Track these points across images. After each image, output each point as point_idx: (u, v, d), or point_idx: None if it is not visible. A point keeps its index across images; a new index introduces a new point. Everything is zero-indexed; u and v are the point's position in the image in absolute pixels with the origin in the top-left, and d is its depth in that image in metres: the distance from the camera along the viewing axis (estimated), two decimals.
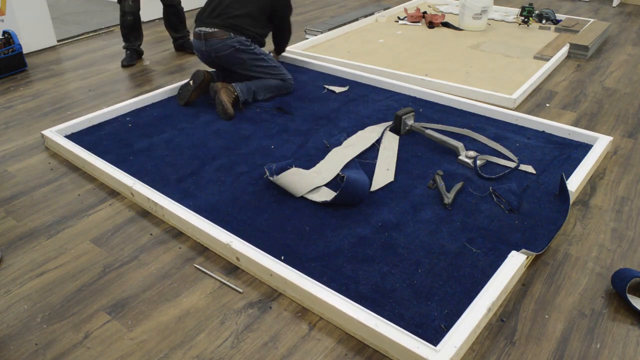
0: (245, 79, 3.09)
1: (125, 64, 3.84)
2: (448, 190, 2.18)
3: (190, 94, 3.04)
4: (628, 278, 1.69)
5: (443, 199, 2.13)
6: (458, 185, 2.20)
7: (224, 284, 1.79)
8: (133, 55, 3.90)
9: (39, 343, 1.59)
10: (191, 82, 3.03)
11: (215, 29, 2.96)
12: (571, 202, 2.15)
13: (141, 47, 3.99)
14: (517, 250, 1.83)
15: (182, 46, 4.11)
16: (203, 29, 3.00)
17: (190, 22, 4.68)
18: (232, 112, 2.87)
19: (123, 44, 3.91)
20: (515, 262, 1.77)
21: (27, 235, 2.06)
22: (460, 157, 2.41)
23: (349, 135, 2.67)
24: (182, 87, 3.08)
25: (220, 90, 2.91)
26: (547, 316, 1.65)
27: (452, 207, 2.11)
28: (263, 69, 3.06)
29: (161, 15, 4.86)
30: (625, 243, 1.96)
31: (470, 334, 1.52)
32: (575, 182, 2.20)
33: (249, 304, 1.71)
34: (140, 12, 4.81)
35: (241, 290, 1.76)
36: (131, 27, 3.81)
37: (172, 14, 3.97)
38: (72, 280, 1.83)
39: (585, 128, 2.74)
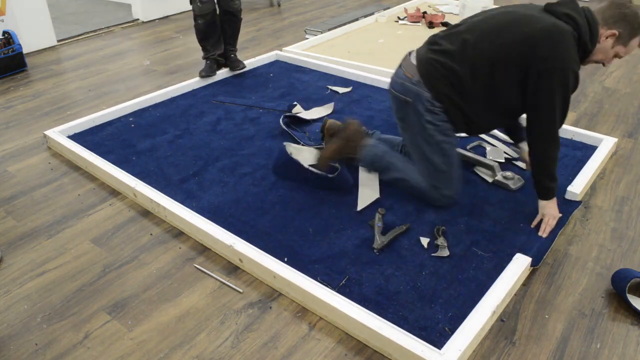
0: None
1: (204, 75, 3.33)
2: (384, 233, 1.93)
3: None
4: (628, 278, 1.69)
5: (374, 241, 1.91)
6: (399, 229, 1.95)
7: (224, 284, 1.80)
8: (212, 66, 3.38)
9: (39, 343, 1.59)
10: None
11: (414, 57, 2.01)
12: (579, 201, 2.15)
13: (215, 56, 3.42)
14: (522, 253, 1.82)
15: (219, 63, 3.48)
16: (420, 51, 2.03)
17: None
18: (323, 167, 2.13)
19: (202, 53, 3.41)
20: (520, 265, 1.77)
21: (27, 235, 2.06)
22: (497, 178, 2.23)
23: None
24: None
25: (340, 139, 2.12)
26: (547, 316, 1.65)
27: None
28: (421, 156, 2.02)
29: (162, 15, 4.85)
30: (625, 243, 1.96)
31: (475, 337, 1.52)
32: (580, 184, 2.20)
33: (249, 304, 1.71)
34: (141, 12, 4.81)
35: (241, 290, 1.76)
36: (204, 33, 3.27)
37: (227, 22, 3.35)
38: (72, 280, 1.83)
39: (585, 128, 2.74)
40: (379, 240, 1.89)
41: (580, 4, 1.86)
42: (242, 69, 3.47)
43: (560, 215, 2.00)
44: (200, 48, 3.39)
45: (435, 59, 1.93)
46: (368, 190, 2.19)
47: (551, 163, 1.92)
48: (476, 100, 1.90)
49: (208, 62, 3.38)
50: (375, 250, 1.87)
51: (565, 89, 1.80)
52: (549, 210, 1.97)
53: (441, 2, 5.29)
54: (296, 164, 2.22)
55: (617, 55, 1.90)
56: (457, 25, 2.00)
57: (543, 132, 1.87)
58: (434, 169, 2.00)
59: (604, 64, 1.94)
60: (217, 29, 3.32)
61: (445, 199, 2.05)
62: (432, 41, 2.01)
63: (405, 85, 1.99)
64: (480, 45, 1.86)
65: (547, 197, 1.97)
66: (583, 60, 1.88)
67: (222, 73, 3.46)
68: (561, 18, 1.82)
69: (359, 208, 2.10)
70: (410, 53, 2.07)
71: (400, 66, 2.07)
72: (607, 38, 1.85)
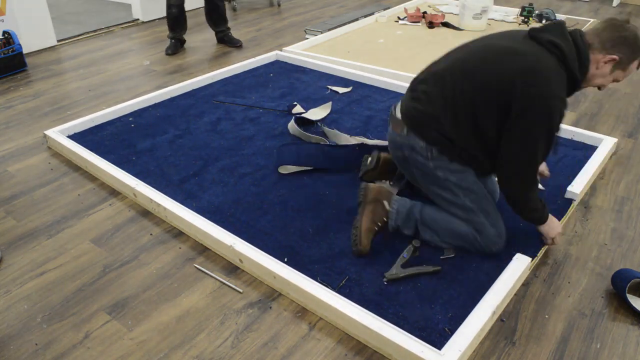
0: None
1: (170, 53, 4.02)
2: (405, 266, 1.78)
3: (367, 172, 2.16)
4: (628, 278, 1.69)
5: (390, 269, 1.77)
6: (426, 269, 1.77)
7: (224, 284, 1.80)
8: (177, 45, 4.08)
9: (39, 343, 1.59)
10: (369, 160, 2.16)
11: (398, 111, 1.90)
12: (576, 203, 2.15)
13: (184, 36, 4.15)
14: (522, 253, 1.82)
15: (222, 40, 4.22)
16: (403, 100, 1.92)
17: (199, 20, 4.69)
18: (364, 250, 1.84)
19: (168, 33, 4.08)
20: (520, 265, 1.77)
21: (27, 235, 2.06)
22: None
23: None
24: (364, 160, 2.20)
25: (367, 205, 1.89)
26: (547, 316, 1.65)
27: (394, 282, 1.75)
28: (447, 203, 1.85)
29: (161, 15, 4.87)
30: (625, 243, 1.96)
31: (475, 337, 1.52)
32: (580, 184, 2.19)
33: (249, 304, 1.71)
34: (141, 12, 4.87)
35: (241, 290, 1.77)
36: (176, 19, 3.96)
37: (212, 10, 4.09)
38: (72, 280, 1.83)
39: (585, 128, 2.75)
40: (394, 272, 1.75)
41: (573, 27, 1.72)
42: (240, 45, 4.16)
43: (560, 230, 1.87)
44: (169, 29, 4.05)
45: (415, 107, 1.81)
46: None
47: (529, 202, 1.79)
48: (467, 141, 1.75)
49: (173, 41, 4.07)
50: (385, 280, 1.74)
51: (546, 128, 1.65)
52: (548, 231, 1.85)
53: (441, 2, 5.29)
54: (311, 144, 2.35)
55: (615, 80, 1.75)
56: (437, 63, 1.86)
57: (519, 172, 1.72)
58: (463, 212, 1.81)
59: (600, 88, 1.79)
60: (184, 14, 4.01)
61: (492, 241, 1.81)
62: (412, 87, 1.88)
63: (397, 140, 1.88)
64: (459, 86, 1.72)
65: (540, 223, 1.85)
66: (575, 88, 1.73)
67: (222, 73, 3.46)
68: (545, 46, 1.67)
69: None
70: (395, 106, 1.94)
71: (389, 124, 1.95)
72: (605, 63, 1.70)
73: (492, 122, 1.69)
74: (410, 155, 1.84)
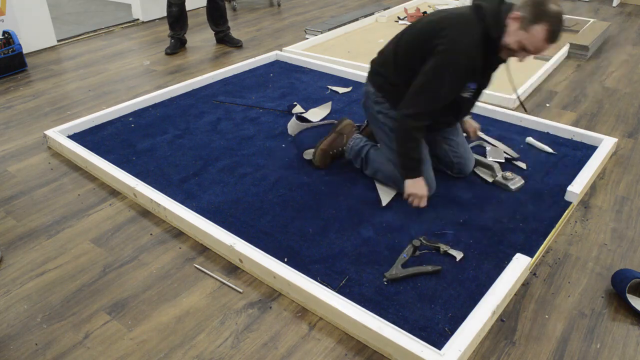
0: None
1: (170, 52, 4.03)
2: (405, 266, 1.79)
3: (363, 129, 2.44)
4: (628, 279, 1.69)
5: (390, 269, 1.79)
6: (425, 269, 1.78)
7: (224, 284, 1.80)
8: (177, 44, 4.09)
9: (39, 343, 1.59)
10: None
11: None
12: (575, 203, 2.15)
13: (185, 36, 4.16)
14: (522, 253, 1.82)
15: (222, 39, 4.24)
16: None
17: (199, 20, 4.70)
18: (317, 164, 2.35)
19: (168, 32, 4.09)
20: (519, 265, 1.77)
21: (27, 235, 2.06)
22: (497, 178, 2.24)
23: None
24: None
25: (333, 133, 2.35)
26: (547, 316, 1.65)
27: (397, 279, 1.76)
28: (385, 145, 2.18)
29: (161, 15, 4.88)
30: (625, 243, 1.96)
31: (475, 337, 1.52)
32: (580, 184, 2.19)
33: (249, 304, 1.71)
34: (141, 12, 4.87)
35: (241, 290, 1.77)
36: (176, 18, 3.98)
37: (213, 9, 4.11)
38: (72, 280, 1.83)
39: (586, 128, 2.75)
40: (394, 272, 1.76)
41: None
42: (240, 45, 4.16)
43: (426, 194, 2.08)
44: (169, 28, 4.06)
45: (374, 60, 2.20)
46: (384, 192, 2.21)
47: (408, 142, 2.02)
48: (405, 87, 2.01)
49: (173, 40, 4.09)
50: (385, 280, 1.75)
51: (445, 70, 1.88)
52: (409, 186, 2.07)
53: (441, 2, 5.29)
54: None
55: (523, 47, 1.82)
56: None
57: (406, 102, 1.98)
58: (394, 157, 2.10)
59: (516, 56, 1.88)
60: (185, 13, 4.04)
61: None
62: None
63: (363, 90, 2.25)
64: (403, 38, 2.06)
65: (406, 175, 2.07)
66: (495, 48, 1.89)
67: (222, 73, 3.46)
68: (473, 8, 1.92)
69: (384, 204, 2.14)
70: None
71: None
72: (513, 21, 1.83)
73: (420, 67, 1.96)
74: (366, 101, 2.21)
